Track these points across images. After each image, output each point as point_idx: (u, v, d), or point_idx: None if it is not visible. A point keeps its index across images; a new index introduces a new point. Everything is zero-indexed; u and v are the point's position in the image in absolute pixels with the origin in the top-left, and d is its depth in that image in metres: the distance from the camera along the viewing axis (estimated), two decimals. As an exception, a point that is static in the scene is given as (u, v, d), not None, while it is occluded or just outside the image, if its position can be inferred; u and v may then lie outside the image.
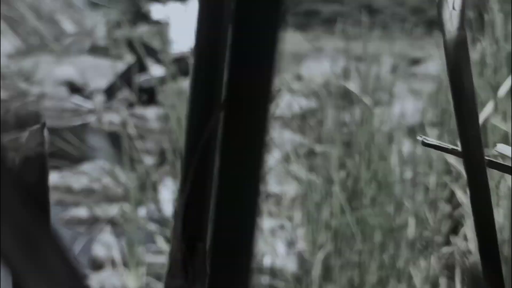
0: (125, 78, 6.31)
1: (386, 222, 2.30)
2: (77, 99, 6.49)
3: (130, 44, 6.89)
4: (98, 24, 22.17)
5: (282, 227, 2.77)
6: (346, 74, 8.41)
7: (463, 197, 2.18)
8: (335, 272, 2.25)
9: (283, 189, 3.55)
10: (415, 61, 9.78)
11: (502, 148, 0.38)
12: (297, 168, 3.10)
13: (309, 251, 2.28)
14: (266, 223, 2.94)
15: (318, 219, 2.33)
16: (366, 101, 3.54)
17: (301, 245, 2.43)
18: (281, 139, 3.77)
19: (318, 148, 3.76)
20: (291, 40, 13.46)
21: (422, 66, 9.91)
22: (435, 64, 9.52)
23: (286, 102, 4.09)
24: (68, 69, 7.29)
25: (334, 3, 17.40)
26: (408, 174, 2.53)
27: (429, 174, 2.43)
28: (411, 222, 2.33)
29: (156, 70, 6.54)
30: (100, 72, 7.65)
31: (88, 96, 6.81)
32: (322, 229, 2.32)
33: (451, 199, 2.35)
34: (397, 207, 2.36)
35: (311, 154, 4.07)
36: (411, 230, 2.32)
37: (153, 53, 6.71)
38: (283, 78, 6.92)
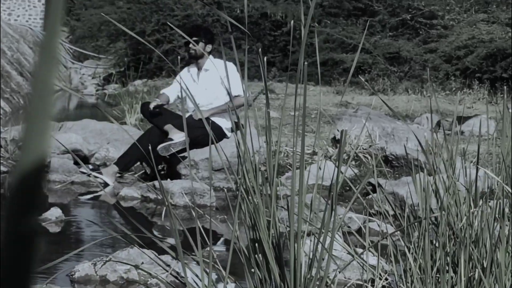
0: (140, 145, 6.39)
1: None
2: (85, 170, 6.57)
3: (143, 107, 7.01)
4: (84, 78, 22.42)
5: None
6: (385, 136, 8.44)
7: None
8: None
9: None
10: (459, 118, 9.87)
11: None
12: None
13: None
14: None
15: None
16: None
17: None
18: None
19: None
20: (316, 95, 13.58)
21: (465, 124, 9.94)
22: (478, 121, 9.53)
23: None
24: (70, 136, 7.37)
25: (355, 52, 17.58)
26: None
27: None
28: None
29: (177, 136, 6.63)
30: (105, 138, 7.76)
31: (97, 166, 6.89)
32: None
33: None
34: None
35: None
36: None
37: (171, 117, 6.82)
38: (320, 142, 7.02)
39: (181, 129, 6.64)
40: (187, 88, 4.03)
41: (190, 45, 6.94)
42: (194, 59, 7.09)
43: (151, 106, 6.83)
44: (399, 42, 17.86)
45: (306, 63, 2.61)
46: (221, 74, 6.84)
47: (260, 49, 2.96)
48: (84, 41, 24.06)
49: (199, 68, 7.10)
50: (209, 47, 7.01)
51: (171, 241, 4.44)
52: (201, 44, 6.94)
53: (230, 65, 6.83)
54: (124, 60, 20.49)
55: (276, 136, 4.47)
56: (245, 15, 2.95)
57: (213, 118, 6.80)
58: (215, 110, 6.87)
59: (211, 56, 7.04)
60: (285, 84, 15.55)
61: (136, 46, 19.74)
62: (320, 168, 3.04)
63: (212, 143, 2.78)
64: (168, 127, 6.70)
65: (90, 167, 6.75)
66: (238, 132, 2.98)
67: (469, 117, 10.09)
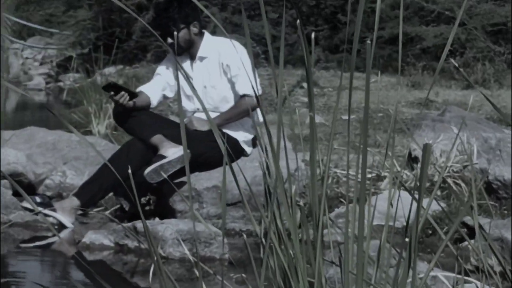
0: (115, 166, 6.38)
1: None
2: (30, 206, 6.59)
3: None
4: (29, 64, 22.50)
5: None
6: (487, 152, 8.54)
7: None
8: None
9: None
10: None
11: None
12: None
13: None
14: None
15: None
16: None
17: None
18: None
19: None
20: (381, 89, 13.56)
21: None
22: None
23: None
24: (7, 152, 7.37)
25: (441, 24, 17.45)
26: None
27: None
28: None
29: (171, 151, 6.60)
30: (61, 155, 7.76)
31: (48, 199, 6.91)
32: None
33: None
34: None
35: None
36: None
37: (160, 124, 6.83)
38: (389, 161, 7.01)
39: (177, 142, 6.58)
40: (179, 84, 4.03)
41: (169, 40, 6.80)
42: (186, 50, 6.99)
43: None
44: (505, 9, 17.81)
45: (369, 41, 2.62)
46: (224, 61, 6.81)
47: (298, 21, 2.97)
48: (28, 9, 24.16)
49: (192, 57, 7.05)
50: (195, 28, 6.91)
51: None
52: (183, 32, 6.88)
53: (238, 46, 6.76)
54: (89, 37, 20.53)
55: (322, 153, 4.50)
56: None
57: (225, 129, 6.74)
58: (227, 116, 6.82)
59: (207, 35, 6.99)
60: (332, 73, 15.55)
61: (108, 15, 19.77)
62: (392, 204, 3.04)
63: (226, 164, 2.78)
64: (157, 139, 6.66)
65: (38, 199, 6.76)
66: (265, 146, 2.97)
67: None
